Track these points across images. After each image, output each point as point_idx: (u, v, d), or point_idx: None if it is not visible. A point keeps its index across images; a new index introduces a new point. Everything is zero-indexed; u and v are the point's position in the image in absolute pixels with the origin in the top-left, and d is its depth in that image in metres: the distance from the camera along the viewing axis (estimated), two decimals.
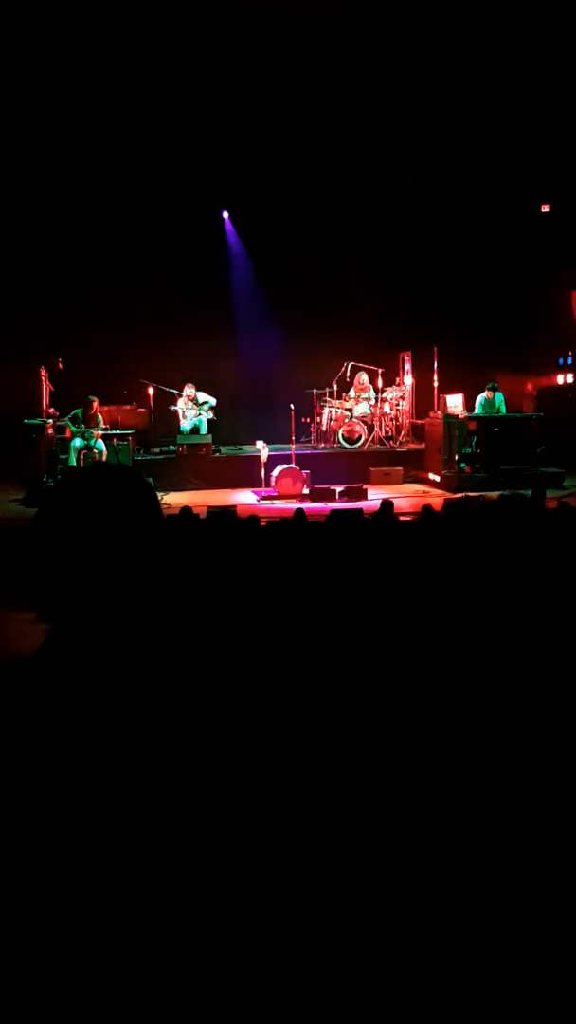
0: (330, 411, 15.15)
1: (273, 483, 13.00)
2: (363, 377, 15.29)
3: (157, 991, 1.40)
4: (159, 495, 8.84)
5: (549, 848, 1.85)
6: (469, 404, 14.41)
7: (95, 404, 13.30)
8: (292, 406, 13.61)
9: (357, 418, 14.97)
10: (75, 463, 12.98)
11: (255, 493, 13.24)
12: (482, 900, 1.72)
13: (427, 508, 7.75)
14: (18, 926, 1.41)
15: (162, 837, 1.53)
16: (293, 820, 1.77)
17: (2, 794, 1.50)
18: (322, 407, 15.20)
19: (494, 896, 1.73)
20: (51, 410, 13.63)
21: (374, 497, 12.03)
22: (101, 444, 13.21)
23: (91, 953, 1.41)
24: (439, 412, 14.23)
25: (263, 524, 6.78)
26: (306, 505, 11.32)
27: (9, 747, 1.54)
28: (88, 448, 13.10)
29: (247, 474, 13.64)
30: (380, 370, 15.40)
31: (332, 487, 12.82)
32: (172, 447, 14.55)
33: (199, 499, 12.06)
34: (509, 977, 1.58)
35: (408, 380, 15.62)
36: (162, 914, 1.47)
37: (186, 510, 7.08)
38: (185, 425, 14.57)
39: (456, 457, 13.57)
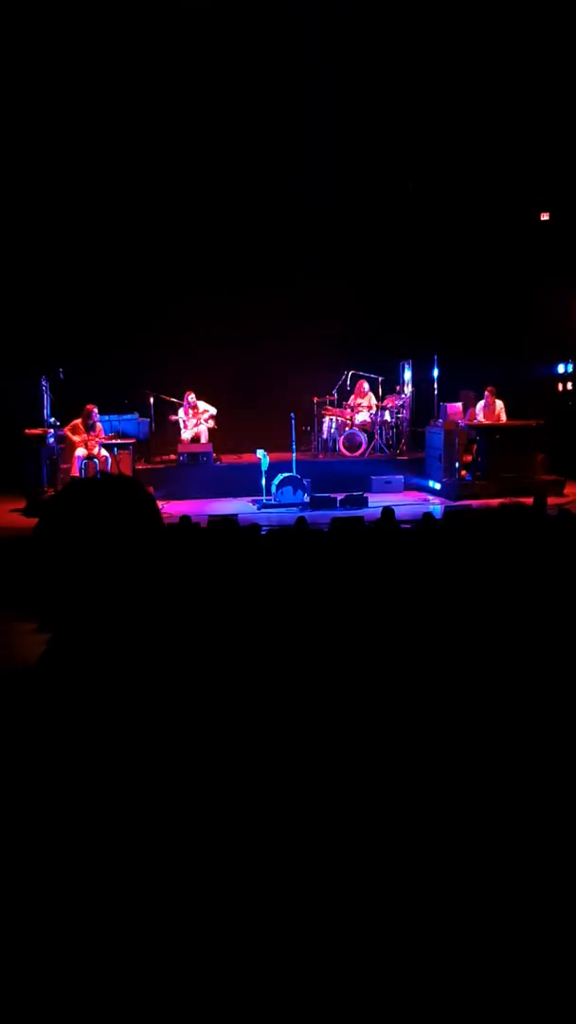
0: (331, 419, 15.17)
1: (274, 491, 13.01)
2: (364, 385, 15.32)
3: (157, 991, 1.40)
4: (160, 504, 8.85)
5: (549, 849, 1.85)
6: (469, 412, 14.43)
7: (95, 414, 13.33)
8: (293, 414, 13.63)
9: (357, 426, 14.99)
10: (76, 473, 13.00)
11: (256, 502, 13.25)
12: (482, 899, 1.72)
13: (428, 516, 7.76)
14: (20, 928, 1.42)
15: (164, 843, 1.53)
16: (296, 828, 1.77)
17: (4, 803, 1.50)
18: (323, 415, 15.22)
19: (494, 895, 1.73)
20: (52, 419, 13.65)
21: (375, 505, 12.04)
22: (104, 452, 13.25)
23: (92, 954, 1.41)
24: (439, 420, 14.25)
25: (264, 533, 6.79)
26: (307, 513, 11.33)
27: (11, 757, 1.54)
28: (89, 457, 13.13)
29: (248, 483, 13.65)
30: (380, 378, 15.42)
31: (333, 495, 12.84)
32: (173, 456, 14.57)
33: (200, 508, 12.07)
34: (509, 976, 1.58)
35: (408, 388, 15.64)
36: (162, 915, 1.47)
37: (186, 519, 7.09)
38: (186, 434, 14.59)
39: (456, 465, 13.58)
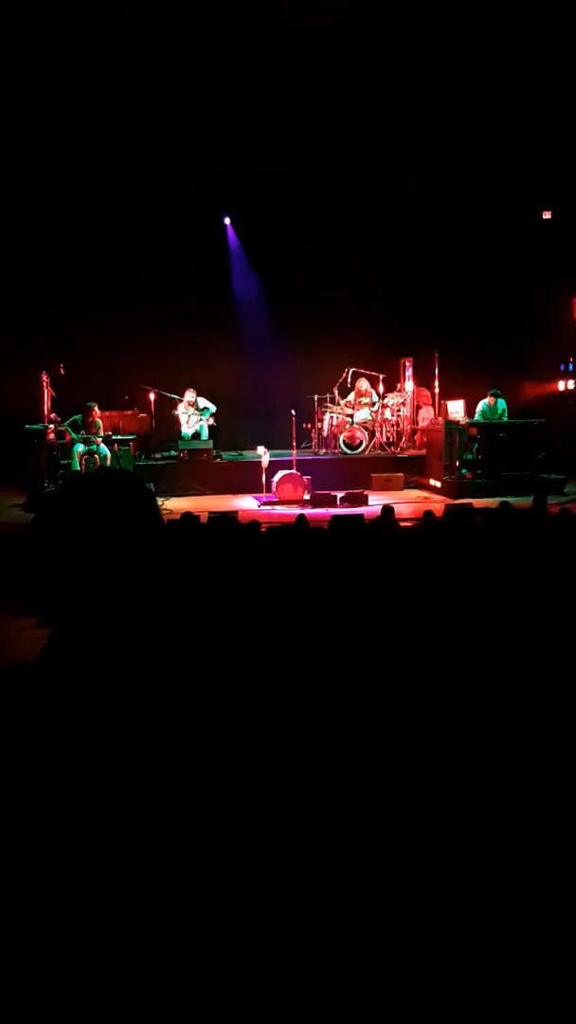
0: (331, 417, 15.16)
1: (274, 489, 13.00)
2: (364, 383, 15.31)
3: (157, 991, 1.40)
4: (160, 500, 8.86)
5: (548, 848, 1.85)
6: (470, 410, 14.43)
7: (95, 411, 13.33)
8: (293, 412, 13.62)
9: (358, 424, 14.98)
10: (77, 468, 13.01)
11: (256, 499, 13.25)
12: (482, 898, 1.72)
13: (428, 514, 7.76)
14: (20, 926, 1.42)
15: (164, 839, 1.53)
16: (295, 823, 1.77)
17: (5, 798, 1.50)
18: (323, 413, 15.21)
19: (494, 894, 1.73)
20: (52, 415, 13.64)
21: (375, 503, 12.04)
22: (104, 449, 13.24)
23: (92, 952, 1.41)
24: (440, 418, 14.24)
25: (264, 530, 6.78)
26: (307, 511, 11.32)
27: (12, 751, 1.54)
28: (90, 453, 13.13)
29: (248, 480, 13.64)
30: (381, 376, 15.41)
31: (333, 493, 12.82)
32: (173, 452, 14.56)
33: (200, 504, 12.06)
34: (509, 976, 1.58)
35: (409, 386, 15.63)
36: (162, 914, 1.47)
37: (188, 515, 7.08)
38: (186, 430, 14.58)
39: (457, 463, 13.58)
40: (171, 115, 14.65)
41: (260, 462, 13.33)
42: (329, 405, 15.21)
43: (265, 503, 12.90)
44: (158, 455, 14.87)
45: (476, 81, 14.43)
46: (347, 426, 14.91)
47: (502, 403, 14.27)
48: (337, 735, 2.28)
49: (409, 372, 15.67)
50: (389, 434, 15.24)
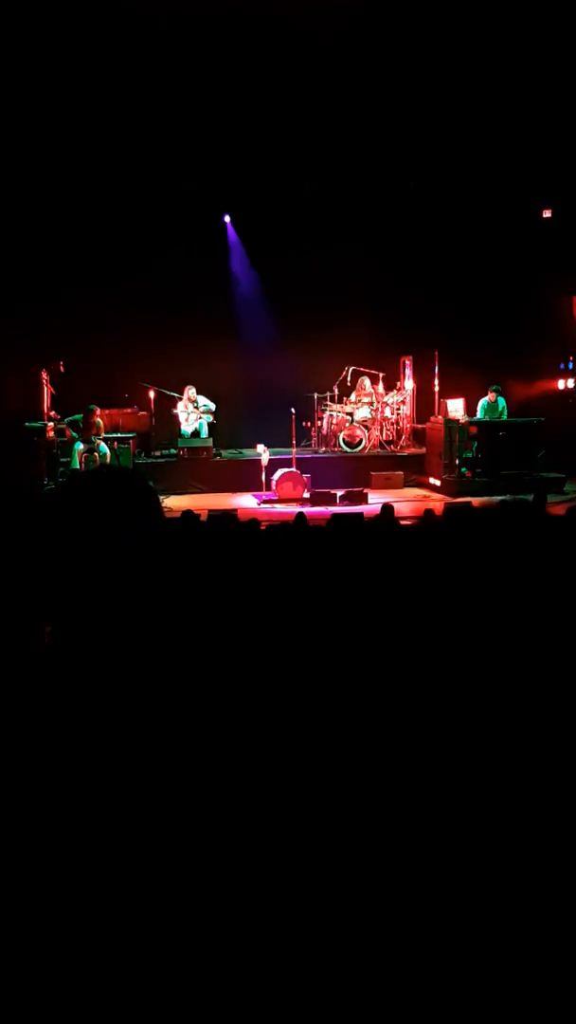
0: (331, 415, 15.16)
1: (274, 487, 13.00)
2: (364, 381, 15.31)
3: (156, 990, 1.40)
4: (160, 498, 8.85)
5: (550, 849, 1.85)
6: (470, 409, 14.43)
7: (95, 412, 13.34)
8: (293, 410, 13.62)
9: (358, 422, 14.98)
10: (78, 466, 13.02)
11: (256, 497, 13.25)
12: (483, 899, 1.71)
13: (428, 512, 7.75)
14: (18, 926, 1.41)
15: (164, 837, 1.53)
16: (294, 821, 1.77)
17: (5, 797, 1.50)
18: (323, 411, 15.21)
19: (495, 895, 1.73)
20: (52, 413, 13.64)
21: (375, 501, 12.04)
22: (104, 447, 13.25)
23: (90, 952, 1.41)
24: (440, 416, 14.25)
25: (263, 528, 6.78)
26: (307, 509, 11.32)
27: (11, 751, 1.54)
28: (90, 451, 13.13)
29: (248, 478, 13.65)
30: (381, 374, 15.41)
31: (333, 491, 12.83)
32: (173, 450, 14.56)
33: (200, 502, 12.06)
34: (510, 976, 1.58)
35: (409, 384, 15.63)
36: (162, 911, 1.47)
37: (188, 513, 7.08)
38: (186, 428, 14.58)
39: (457, 461, 13.58)
40: (172, 113, 14.63)
41: (260, 460, 13.34)
42: (329, 403, 15.22)
43: (265, 501, 12.90)
44: (157, 453, 14.88)
45: (476, 80, 14.42)
46: (347, 424, 14.91)
47: (502, 401, 14.26)
48: (337, 733, 2.28)
49: (409, 370, 15.66)
50: (389, 432, 15.23)
